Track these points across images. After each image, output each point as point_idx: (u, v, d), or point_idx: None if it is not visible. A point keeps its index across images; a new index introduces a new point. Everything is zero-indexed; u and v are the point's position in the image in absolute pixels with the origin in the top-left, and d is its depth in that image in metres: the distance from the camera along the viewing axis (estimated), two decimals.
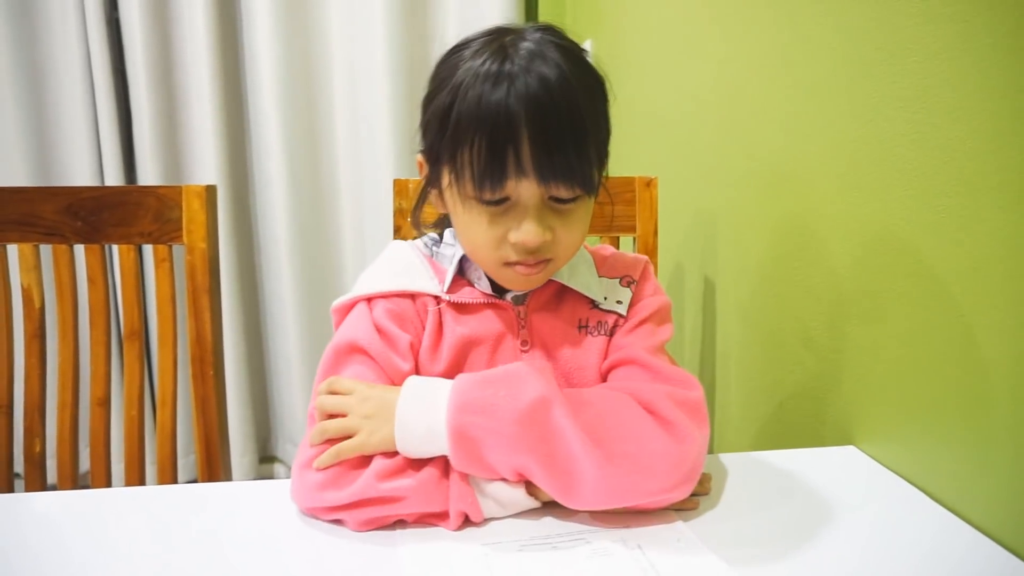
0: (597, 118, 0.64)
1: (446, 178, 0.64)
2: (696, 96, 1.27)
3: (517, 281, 0.67)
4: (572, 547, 0.58)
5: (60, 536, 0.62)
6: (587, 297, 0.73)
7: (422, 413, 0.62)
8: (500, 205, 0.63)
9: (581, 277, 0.73)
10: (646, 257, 0.78)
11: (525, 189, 0.61)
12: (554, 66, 0.59)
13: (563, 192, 0.62)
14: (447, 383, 0.64)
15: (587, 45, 1.89)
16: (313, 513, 0.64)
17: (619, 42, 1.70)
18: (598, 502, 0.61)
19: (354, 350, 0.68)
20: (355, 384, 0.65)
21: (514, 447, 0.59)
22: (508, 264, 0.65)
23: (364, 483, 0.60)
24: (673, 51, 1.38)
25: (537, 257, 0.65)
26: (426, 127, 0.66)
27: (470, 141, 0.60)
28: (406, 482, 0.61)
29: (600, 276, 0.75)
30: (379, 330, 0.68)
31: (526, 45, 0.61)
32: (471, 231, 0.65)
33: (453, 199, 0.65)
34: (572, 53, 0.63)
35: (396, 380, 0.67)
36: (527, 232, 0.62)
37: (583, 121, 0.61)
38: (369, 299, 0.70)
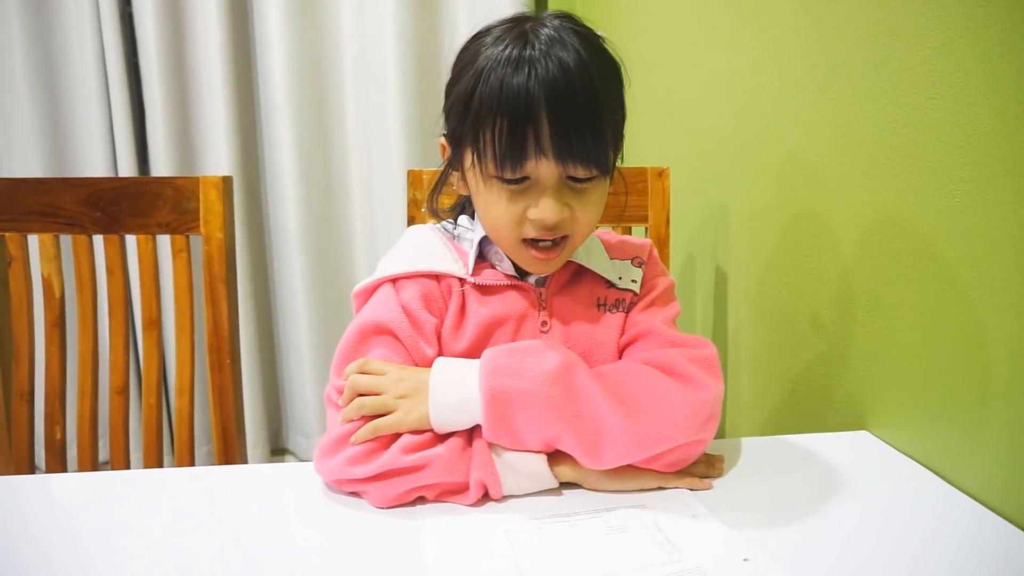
0: (613, 102, 0.66)
1: (468, 159, 0.67)
2: (708, 86, 1.27)
3: (535, 264, 0.70)
4: (590, 524, 0.60)
5: (80, 517, 0.63)
6: (603, 278, 0.75)
7: (455, 382, 0.64)
8: (520, 184, 0.65)
9: (596, 260, 0.76)
10: (650, 240, 0.82)
11: (544, 169, 0.64)
12: (573, 51, 0.62)
13: (580, 172, 0.65)
14: (476, 360, 0.66)
15: None
16: (338, 485, 0.65)
17: (630, 32, 1.70)
18: (627, 454, 0.62)
19: (381, 330, 0.69)
20: (388, 365, 0.67)
21: (544, 406, 0.62)
22: (526, 242, 0.68)
23: (390, 456, 0.62)
24: (684, 41, 1.38)
25: (555, 233, 0.67)
26: (449, 111, 0.69)
27: (492, 123, 0.62)
28: (429, 452, 0.63)
29: (612, 258, 0.78)
30: (407, 312, 0.70)
31: (546, 32, 0.63)
32: (492, 209, 0.67)
33: (475, 179, 0.68)
34: (589, 40, 0.65)
35: (421, 364, 0.69)
36: (546, 208, 0.65)
37: (600, 104, 0.63)
38: (395, 280, 0.72)
